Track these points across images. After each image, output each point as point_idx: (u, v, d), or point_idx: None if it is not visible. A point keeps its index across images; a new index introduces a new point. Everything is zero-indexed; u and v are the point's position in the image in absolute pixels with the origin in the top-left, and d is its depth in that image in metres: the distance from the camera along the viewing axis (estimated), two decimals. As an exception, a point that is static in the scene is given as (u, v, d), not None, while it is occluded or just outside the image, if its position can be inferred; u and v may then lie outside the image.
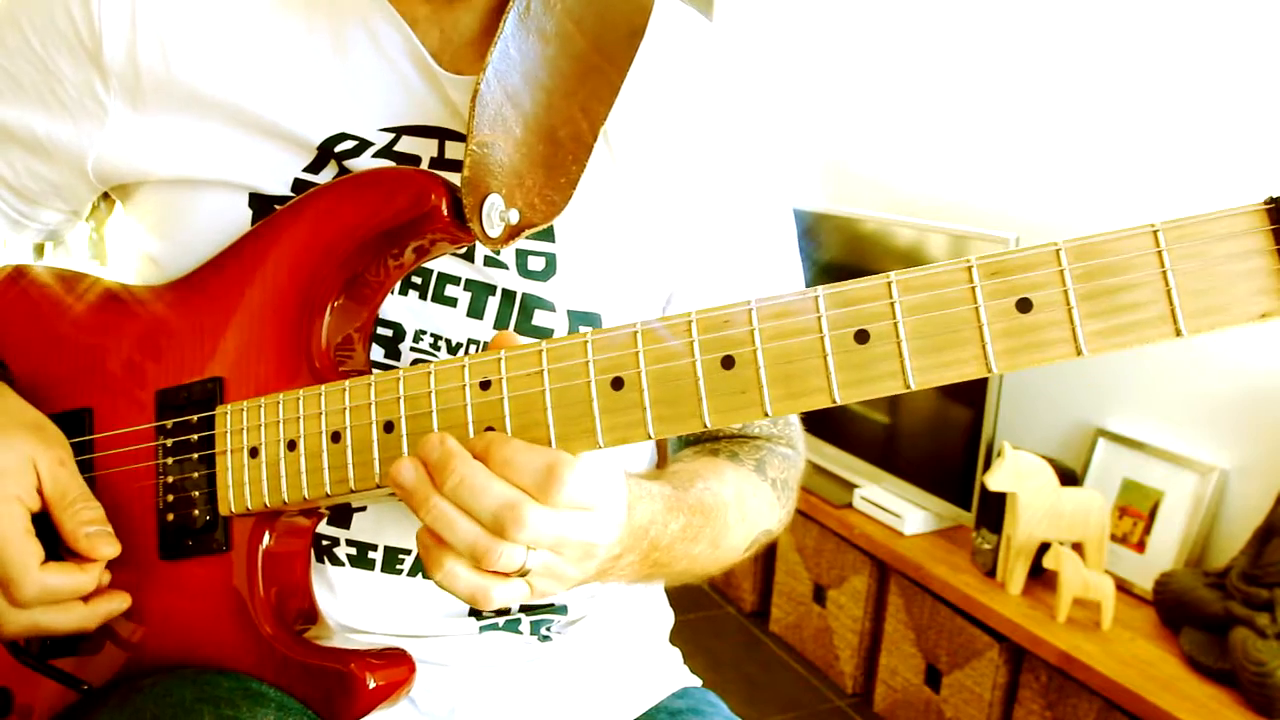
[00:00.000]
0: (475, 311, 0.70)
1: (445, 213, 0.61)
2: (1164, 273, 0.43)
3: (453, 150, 0.69)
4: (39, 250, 2.57)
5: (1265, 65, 1.70)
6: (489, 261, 0.69)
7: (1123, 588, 1.81)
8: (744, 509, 0.70)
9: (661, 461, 0.88)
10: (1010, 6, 2.20)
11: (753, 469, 0.75)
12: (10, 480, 0.63)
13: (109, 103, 0.68)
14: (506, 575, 0.53)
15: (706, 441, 0.80)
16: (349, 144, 0.68)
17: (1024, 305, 0.45)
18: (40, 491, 0.65)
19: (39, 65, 0.69)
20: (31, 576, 0.62)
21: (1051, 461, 1.82)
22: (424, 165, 0.68)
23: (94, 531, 0.65)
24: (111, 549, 0.65)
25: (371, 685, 0.61)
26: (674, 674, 0.85)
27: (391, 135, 0.68)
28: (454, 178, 0.62)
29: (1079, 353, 0.44)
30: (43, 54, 0.68)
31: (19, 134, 0.71)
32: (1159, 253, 0.43)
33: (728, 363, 0.50)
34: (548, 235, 0.70)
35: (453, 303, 0.70)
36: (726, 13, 3.11)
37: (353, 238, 0.63)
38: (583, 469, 0.53)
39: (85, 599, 0.65)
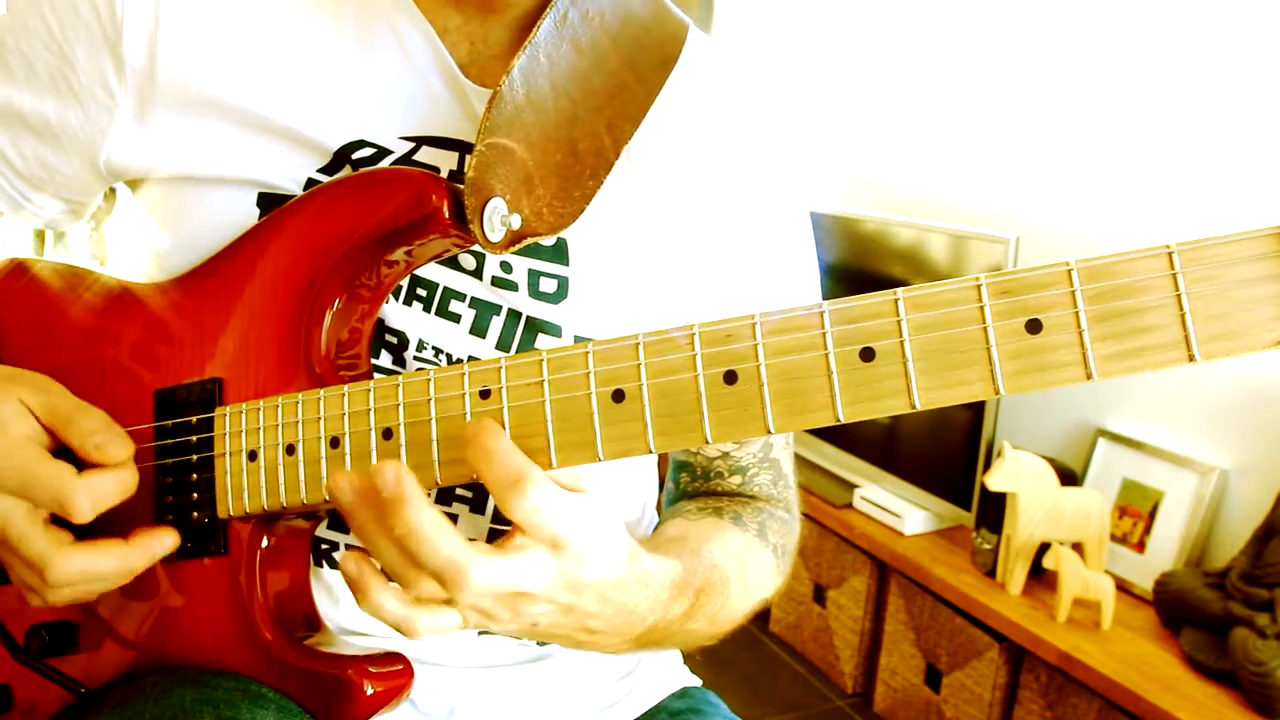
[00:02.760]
0: (478, 330, 0.69)
1: (446, 214, 0.60)
2: (1178, 296, 0.42)
3: (472, 154, 0.68)
4: (39, 243, 2.56)
5: (1265, 66, 1.69)
6: (498, 282, 0.69)
7: (1123, 588, 1.81)
8: (746, 582, 0.69)
9: (664, 472, 0.87)
10: (1011, 7, 2.19)
11: (755, 534, 0.74)
12: (14, 425, 0.62)
13: (120, 94, 0.68)
14: (433, 601, 0.53)
15: (708, 497, 0.79)
16: (367, 151, 0.67)
17: (1034, 326, 0.44)
18: (42, 425, 0.64)
19: (55, 50, 0.68)
20: (73, 487, 0.60)
21: (1051, 461, 1.82)
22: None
23: (100, 440, 0.63)
24: (122, 449, 0.63)
25: (370, 691, 0.61)
26: (674, 674, 0.85)
27: (412, 145, 0.68)
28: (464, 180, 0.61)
29: (1089, 377, 0.43)
30: (60, 39, 0.67)
31: (32, 121, 0.70)
32: (1174, 275, 0.42)
33: (730, 377, 0.49)
34: (562, 258, 0.69)
35: (456, 319, 0.69)
36: (726, 14, 3.10)
37: (353, 237, 0.63)
38: (556, 498, 0.51)
39: (126, 539, 0.63)
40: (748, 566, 0.70)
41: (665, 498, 0.84)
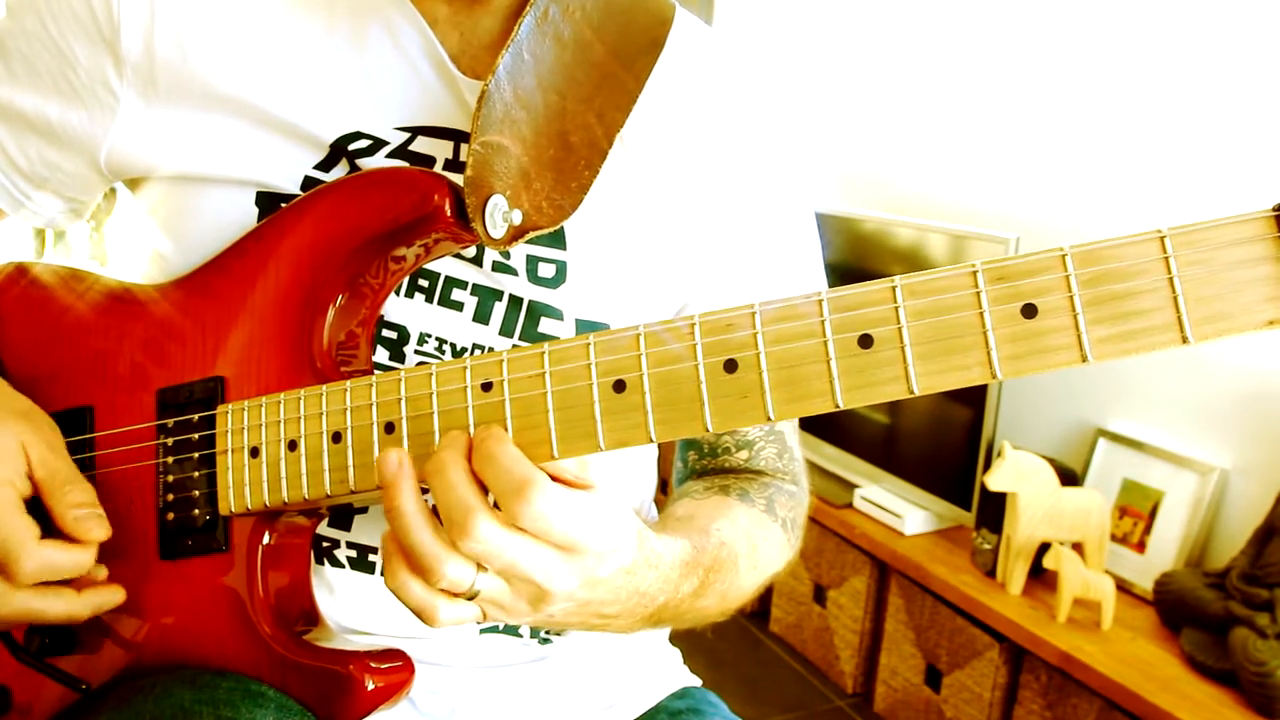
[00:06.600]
0: (481, 317, 0.70)
1: (448, 213, 0.61)
2: (1170, 279, 0.43)
3: (468, 153, 0.69)
4: (39, 241, 2.57)
5: (1268, 65, 1.69)
6: (498, 267, 0.69)
7: (1123, 588, 1.81)
8: (755, 558, 0.69)
9: (664, 465, 0.87)
10: (1010, 7, 2.19)
11: (763, 509, 0.74)
12: (1, 465, 0.63)
13: (121, 92, 0.68)
14: (455, 595, 0.53)
15: (714, 475, 0.79)
16: (363, 143, 0.68)
17: (1029, 311, 0.45)
18: (31, 476, 0.64)
19: (54, 51, 0.69)
20: (30, 549, 0.61)
21: (1051, 461, 1.82)
22: (438, 167, 0.68)
23: (83, 514, 0.64)
24: (101, 531, 0.64)
25: (370, 687, 0.61)
26: (674, 674, 0.85)
27: (407, 135, 0.68)
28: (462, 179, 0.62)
29: (1084, 359, 0.44)
30: (59, 39, 0.68)
31: (35, 121, 0.71)
32: (1165, 259, 0.43)
33: (730, 366, 0.50)
34: (559, 242, 0.69)
35: (459, 307, 0.69)
36: (727, 13, 3.10)
37: (355, 237, 0.63)
38: (564, 502, 0.51)
39: (78, 589, 0.64)
40: (757, 543, 0.71)
41: (674, 477, 0.84)
